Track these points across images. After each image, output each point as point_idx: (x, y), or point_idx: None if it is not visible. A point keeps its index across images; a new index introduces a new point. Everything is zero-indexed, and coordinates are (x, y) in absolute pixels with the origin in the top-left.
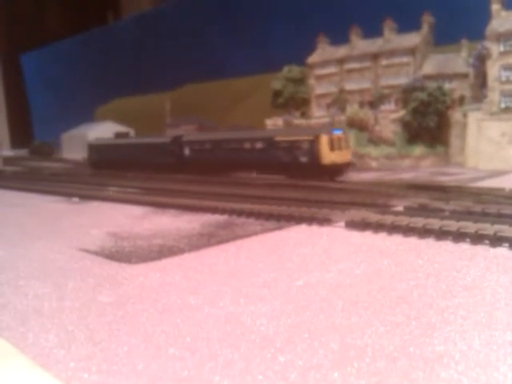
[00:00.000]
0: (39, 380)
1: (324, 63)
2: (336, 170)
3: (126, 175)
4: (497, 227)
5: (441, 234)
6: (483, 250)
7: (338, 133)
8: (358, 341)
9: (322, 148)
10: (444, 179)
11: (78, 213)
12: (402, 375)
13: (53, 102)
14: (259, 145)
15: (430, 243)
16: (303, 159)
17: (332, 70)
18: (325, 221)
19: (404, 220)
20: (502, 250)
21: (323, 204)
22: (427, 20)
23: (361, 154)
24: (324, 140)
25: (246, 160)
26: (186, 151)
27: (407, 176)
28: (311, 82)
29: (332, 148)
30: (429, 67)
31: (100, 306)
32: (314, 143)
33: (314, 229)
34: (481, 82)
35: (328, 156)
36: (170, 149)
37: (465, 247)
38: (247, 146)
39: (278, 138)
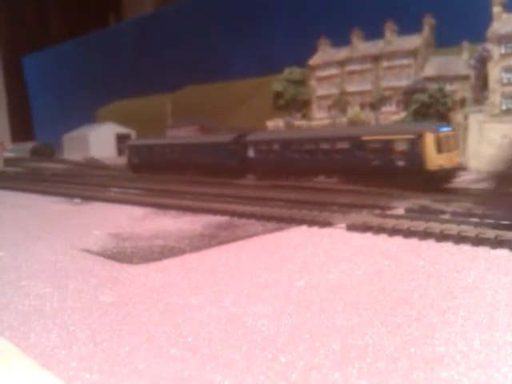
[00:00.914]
0: (41, 380)
1: (325, 65)
2: (443, 176)
3: (125, 176)
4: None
5: (441, 238)
6: (484, 252)
7: (446, 130)
8: (359, 341)
9: (428, 149)
10: None
11: (80, 214)
12: (403, 376)
13: (54, 103)
14: (341, 145)
15: (430, 244)
16: (400, 163)
17: (333, 71)
18: (326, 223)
19: (405, 224)
20: (502, 252)
21: (324, 206)
22: (428, 22)
23: None
24: (430, 139)
25: (323, 164)
26: (251, 152)
27: None
28: (312, 83)
29: (440, 149)
30: (430, 69)
31: (102, 306)
32: (417, 143)
33: (315, 230)
34: (482, 84)
35: (435, 159)
36: (231, 149)
37: (466, 248)
38: (325, 146)
39: (367, 137)
